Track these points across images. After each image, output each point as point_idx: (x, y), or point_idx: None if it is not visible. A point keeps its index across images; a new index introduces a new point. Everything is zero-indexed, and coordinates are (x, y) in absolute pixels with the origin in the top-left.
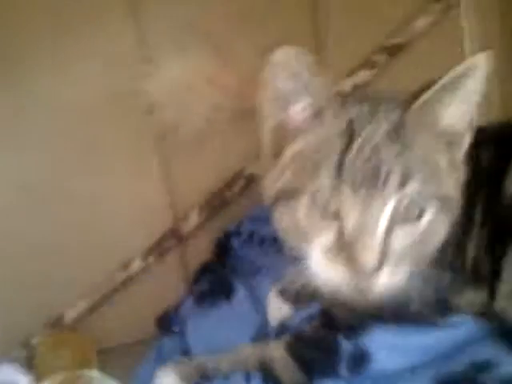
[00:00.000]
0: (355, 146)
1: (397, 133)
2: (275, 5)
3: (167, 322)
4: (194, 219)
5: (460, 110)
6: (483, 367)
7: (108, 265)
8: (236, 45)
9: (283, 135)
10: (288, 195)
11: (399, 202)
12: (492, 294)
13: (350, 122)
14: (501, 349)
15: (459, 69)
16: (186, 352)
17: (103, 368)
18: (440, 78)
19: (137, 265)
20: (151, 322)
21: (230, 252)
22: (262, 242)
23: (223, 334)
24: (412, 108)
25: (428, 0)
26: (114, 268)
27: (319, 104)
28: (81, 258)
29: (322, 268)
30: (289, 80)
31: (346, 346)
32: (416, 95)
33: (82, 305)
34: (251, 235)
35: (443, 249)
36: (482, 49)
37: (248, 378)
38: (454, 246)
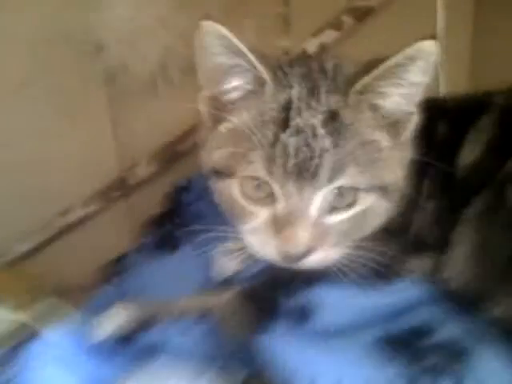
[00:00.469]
0: (287, 133)
1: (333, 121)
2: None
3: (111, 271)
4: (142, 171)
5: (404, 96)
6: (421, 332)
7: (49, 208)
8: None
9: (218, 108)
10: (222, 174)
11: (329, 193)
12: (438, 264)
13: (286, 105)
14: (440, 314)
15: (404, 53)
16: (128, 299)
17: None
18: (386, 57)
19: (78, 211)
20: (94, 270)
21: (180, 207)
22: (212, 200)
23: (165, 286)
24: (353, 91)
25: None
26: (55, 212)
27: (255, 80)
28: (22, 199)
29: (255, 248)
30: (222, 54)
31: (287, 302)
32: (359, 75)
33: (22, 247)
34: (202, 191)
35: (386, 224)
36: (456, 18)
37: (190, 325)
38: (399, 218)
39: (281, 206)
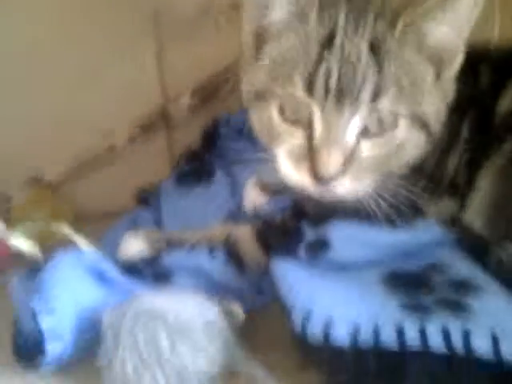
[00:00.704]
0: (331, 53)
1: (378, 47)
2: None
3: (145, 197)
4: (184, 103)
5: (452, 29)
6: (434, 268)
7: (92, 134)
8: None
9: (263, 39)
10: (261, 97)
11: (368, 115)
12: (463, 205)
13: (333, 27)
14: (456, 255)
15: None
16: (157, 225)
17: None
18: None
19: (122, 139)
20: (130, 197)
21: (218, 140)
22: (251, 135)
23: (197, 212)
24: (400, 22)
25: None
26: (98, 138)
27: (301, 6)
28: (67, 122)
29: (288, 172)
30: None
31: (308, 232)
32: (407, 5)
33: (63, 168)
34: (241, 127)
35: (420, 161)
36: None
37: (211, 251)
38: (435, 158)
39: (318, 129)
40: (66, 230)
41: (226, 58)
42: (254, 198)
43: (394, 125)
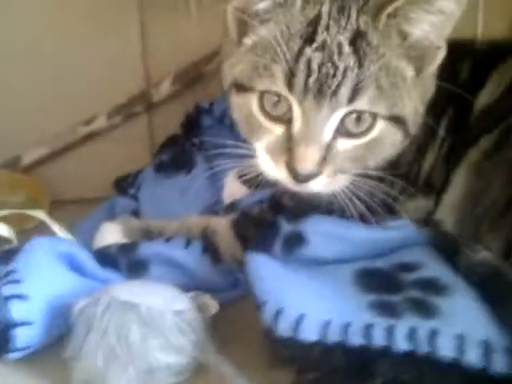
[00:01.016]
0: (312, 48)
1: (360, 41)
2: None
3: (124, 184)
4: (165, 87)
5: (434, 25)
6: (406, 267)
7: (72, 116)
8: None
9: (245, 20)
10: (242, 88)
11: (346, 115)
12: (437, 203)
13: (315, 20)
14: (428, 255)
15: None
16: (135, 214)
17: (53, 218)
18: None
19: (101, 122)
20: (109, 183)
21: (199, 128)
22: (233, 125)
23: (173, 201)
24: (383, 14)
25: None
26: (78, 121)
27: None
28: (46, 104)
29: (266, 166)
30: None
31: (285, 226)
32: (388, 0)
33: (40, 151)
34: (223, 115)
35: (397, 158)
36: None
37: (188, 243)
38: (412, 156)
39: (296, 124)
40: (41, 215)
41: (211, 42)
42: (233, 190)
43: (372, 124)
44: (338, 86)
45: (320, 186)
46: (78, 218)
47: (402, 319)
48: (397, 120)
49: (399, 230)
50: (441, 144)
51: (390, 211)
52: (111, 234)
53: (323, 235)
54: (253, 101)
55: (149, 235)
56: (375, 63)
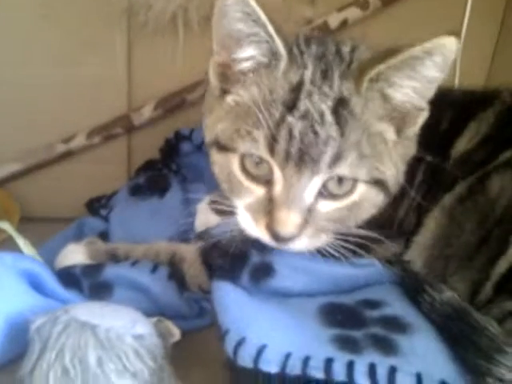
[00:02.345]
0: (295, 116)
1: (342, 109)
2: None
3: (97, 205)
4: (147, 112)
5: (416, 90)
6: (370, 304)
7: (50, 133)
8: None
9: (228, 77)
10: (223, 147)
11: (328, 179)
12: (407, 245)
13: (298, 86)
14: (393, 293)
15: (423, 46)
16: (104, 235)
17: (21, 235)
18: (402, 47)
19: (80, 141)
20: (82, 203)
21: (178, 154)
22: None
23: (145, 226)
24: (366, 78)
25: None
26: (56, 138)
27: (270, 53)
28: (22, 120)
29: (247, 224)
30: (241, 20)
31: (254, 257)
32: (374, 62)
33: (15, 166)
34: (202, 144)
35: (374, 217)
36: (487, 9)
37: (155, 268)
38: (389, 205)
39: (278, 188)
40: (6, 226)
41: (196, 71)
42: (205, 218)
43: (353, 188)
44: (319, 153)
45: (300, 245)
46: (47, 237)
47: (363, 355)
48: (378, 183)
49: (365, 267)
50: (416, 191)
51: (366, 252)
52: (75, 255)
53: (291, 268)
54: (234, 161)
55: (115, 258)
56: (357, 131)
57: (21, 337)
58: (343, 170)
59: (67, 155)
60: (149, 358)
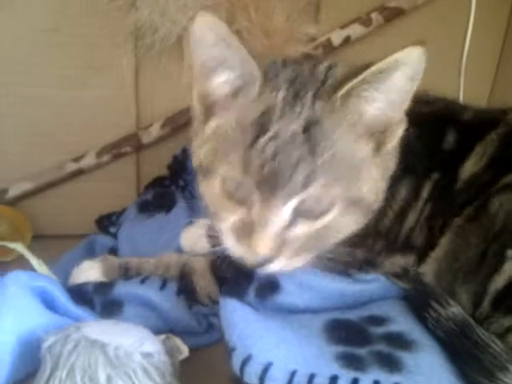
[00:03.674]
0: (266, 138)
1: (314, 128)
2: None
3: (106, 223)
4: (155, 130)
5: (389, 102)
6: (376, 320)
7: (60, 153)
8: None
9: (209, 102)
10: (206, 171)
11: (301, 201)
12: (420, 260)
13: (270, 108)
14: (398, 309)
15: (391, 59)
16: (113, 252)
17: (33, 253)
18: (370, 64)
19: (90, 160)
20: (92, 220)
21: (185, 171)
22: None
23: (151, 242)
24: (337, 96)
25: None
26: (66, 157)
27: (245, 76)
28: (33, 140)
29: (230, 245)
30: (215, 46)
31: (260, 273)
32: (346, 79)
33: (27, 185)
34: None
35: (375, 223)
36: (490, 25)
37: (163, 284)
38: (390, 219)
39: (255, 209)
40: (20, 248)
41: None
42: (192, 243)
43: (329, 208)
44: (292, 175)
45: (279, 266)
46: (59, 254)
47: (367, 372)
48: (354, 201)
49: (370, 283)
50: (423, 206)
51: (371, 267)
52: (90, 272)
53: (296, 284)
54: (216, 184)
55: (127, 273)
56: (329, 150)
57: (33, 355)
58: (317, 190)
59: (78, 174)
60: (157, 375)
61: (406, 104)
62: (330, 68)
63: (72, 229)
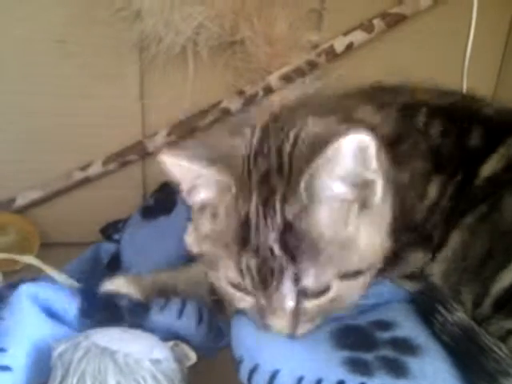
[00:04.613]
0: (248, 253)
1: (289, 237)
2: None
3: (111, 230)
4: (161, 138)
5: (350, 176)
6: (381, 324)
7: (68, 162)
8: None
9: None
10: (209, 264)
11: (297, 293)
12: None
13: (245, 221)
14: (404, 313)
15: (334, 147)
16: (115, 257)
17: (41, 261)
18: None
19: (97, 168)
20: (99, 228)
21: None
22: None
23: (153, 245)
24: (301, 190)
25: None
26: (74, 166)
27: (222, 189)
28: (40, 149)
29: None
30: (186, 178)
31: None
32: (304, 167)
33: (35, 194)
34: None
35: (410, 217)
36: (492, 28)
37: (181, 311)
38: (423, 214)
39: (259, 300)
40: (32, 260)
41: (205, 99)
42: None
43: (328, 286)
44: (279, 283)
45: (304, 330)
46: (67, 261)
47: (374, 377)
48: (352, 273)
49: (375, 287)
50: (445, 204)
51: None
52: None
53: None
54: (221, 277)
55: (164, 293)
56: (309, 250)
57: (45, 363)
58: (309, 283)
59: (85, 182)
60: (166, 381)
61: (373, 163)
62: (294, 145)
63: (79, 236)
